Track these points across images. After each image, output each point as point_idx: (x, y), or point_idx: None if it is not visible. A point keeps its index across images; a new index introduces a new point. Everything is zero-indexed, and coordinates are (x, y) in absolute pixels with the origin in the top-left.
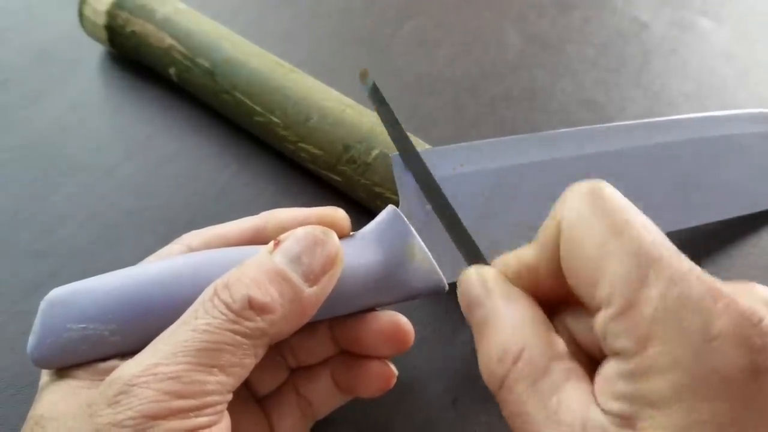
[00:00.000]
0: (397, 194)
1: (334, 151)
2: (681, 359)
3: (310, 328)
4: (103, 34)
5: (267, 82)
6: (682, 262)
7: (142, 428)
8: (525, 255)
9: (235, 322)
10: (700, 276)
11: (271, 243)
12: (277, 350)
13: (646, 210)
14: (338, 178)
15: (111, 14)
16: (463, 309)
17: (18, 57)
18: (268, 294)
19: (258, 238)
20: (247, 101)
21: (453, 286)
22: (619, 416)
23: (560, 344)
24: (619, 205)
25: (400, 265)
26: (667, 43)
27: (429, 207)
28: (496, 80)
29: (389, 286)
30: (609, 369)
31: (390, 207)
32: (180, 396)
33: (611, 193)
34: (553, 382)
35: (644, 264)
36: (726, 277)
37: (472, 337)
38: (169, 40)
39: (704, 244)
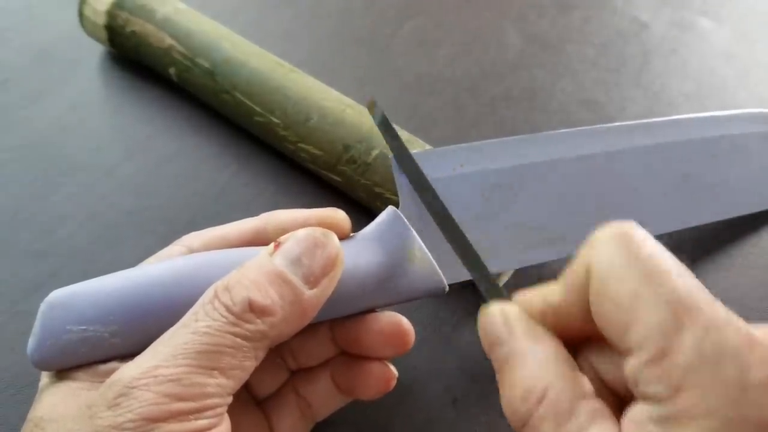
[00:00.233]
0: (397, 195)
1: (334, 151)
2: (715, 407)
3: (310, 329)
4: (103, 34)
5: (267, 82)
6: (718, 310)
7: (142, 431)
8: (550, 295)
9: (235, 325)
10: (735, 324)
11: (272, 245)
12: (277, 352)
13: (647, 210)
14: (338, 178)
15: (111, 14)
16: (484, 346)
17: (18, 57)
18: (268, 296)
19: (258, 240)
20: (247, 101)
21: (453, 287)
22: None
23: (586, 383)
24: (651, 250)
25: (401, 266)
26: (667, 43)
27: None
28: (496, 80)
29: (389, 287)
30: (639, 412)
31: (390, 208)
32: (180, 398)
33: (642, 237)
34: (579, 423)
35: (679, 311)
36: (726, 277)
37: (472, 337)
38: (169, 40)
39: (704, 244)
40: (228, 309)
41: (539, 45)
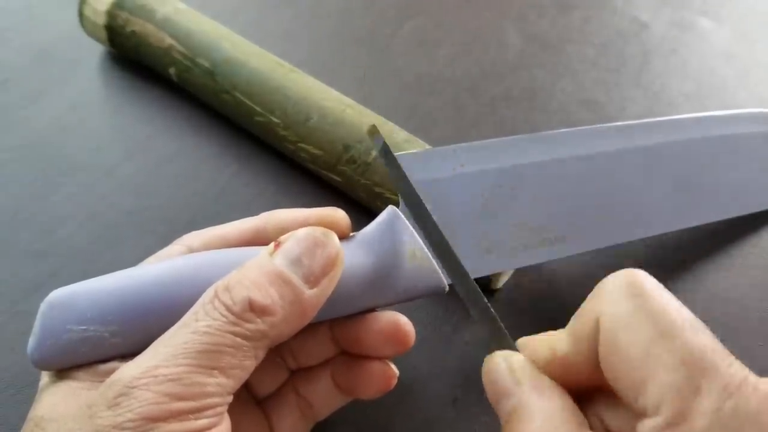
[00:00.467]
0: (397, 194)
1: (334, 151)
2: None
3: (310, 329)
4: (103, 34)
5: (267, 82)
6: (736, 371)
7: (142, 430)
8: (557, 344)
9: (235, 324)
10: (755, 386)
11: (272, 244)
12: (277, 352)
13: (647, 210)
14: (338, 178)
15: (111, 14)
16: (489, 396)
17: (18, 57)
18: (268, 296)
19: (258, 239)
20: (247, 101)
21: (453, 286)
22: None
23: None
24: (663, 303)
25: (401, 265)
26: (667, 43)
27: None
28: (496, 80)
29: (389, 287)
30: None
31: (390, 207)
32: (180, 398)
33: (653, 287)
34: None
35: (696, 373)
36: (726, 277)
37: (472, 337)
38: (169, 40)
39: (704, 244)
40: (228, 309)
41: (539, 45)
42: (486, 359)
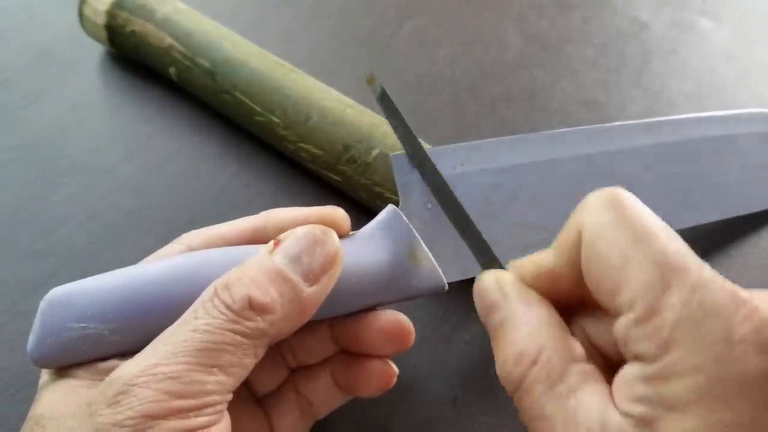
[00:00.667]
0: (397, 194)
1: (334, 151)
2: (702, 363)
3: (310, 327)
4: (103, 34)
5: (267, 82)
6: (705, 270)
7: (142, 428)
8: (543, 260)
9: (235, 322)
10: (722, 283)
11: (271, 243)
12: (276, 350)
13: None
14: (338, 178)
15: (111, 14)
16: (479, 313)
17: (18, 57)
18: (268, 294)
19: (257, 238)
20: (247, 101)
21: (453, 285)
22: (638, 418)
23: (577, 347)
24: (640, 213)
25: (400, 264)
26: (667, 43)
27: (430, 206)
28: (496, 80)
29: (389, 286)
30: (629, 372)
31: (390, 206)
32: (180, 396)
33: (632, 201)
34: (570, 384)
35: (667, 271)
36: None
37: (472, 337)
38: (169, 40)
39: (704, 244)
40: (228, 307)
41: (539, 45)
42: (477, 278)
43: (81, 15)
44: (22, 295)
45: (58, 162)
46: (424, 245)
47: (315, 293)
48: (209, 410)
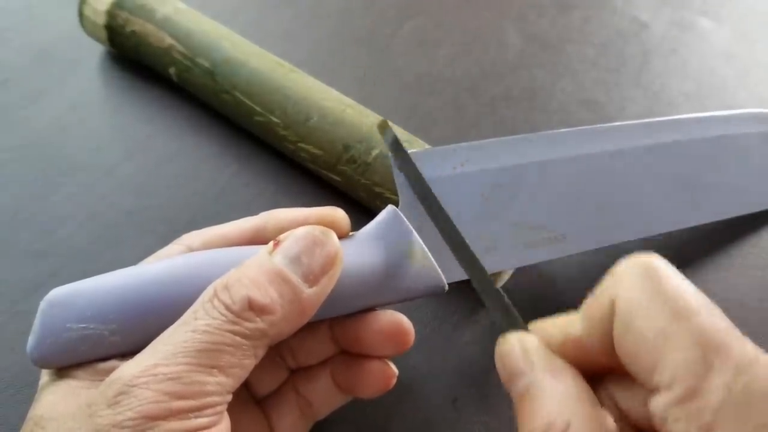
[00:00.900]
0: (397, 194)
1: (334, 151)
2: None
3: (309, 328)
4: (103, 34)
5: (267, 82)
6: (748, 350)
7: (142, 429)
8: (570, 326)
9: (234, 323)
10: (765, 363)
11: (271, 243)
12: (276, 351)
13: (647, 210)
14: (338, 178)
15: (111, 14)
16: (502, 376)
17: (18, 57)
18: (267, 295)
19: (258, 238)
20: (247, 101)
21: (453, 286)
22: None
23: (608, 419)
24: (677, 286)
25: (400, 265)
26: (667, 43)
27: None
28: (496, 80)
29: (389, 286)
30: None
31: (390, 207)
32: (180, 397)
33: (668, 271)
34: None
35: (709, 350)
36: (726, 277)
37: (472, 337)
38: (169, 40)
39: (704, 244)
40: (227, 307)
41: (539, 45)
42: (499, 340)
43: (81, 15)
44: (22, 295)
45: (58, 162)
46: (423, 246)
47: (315, 294)
48: (209, 411)
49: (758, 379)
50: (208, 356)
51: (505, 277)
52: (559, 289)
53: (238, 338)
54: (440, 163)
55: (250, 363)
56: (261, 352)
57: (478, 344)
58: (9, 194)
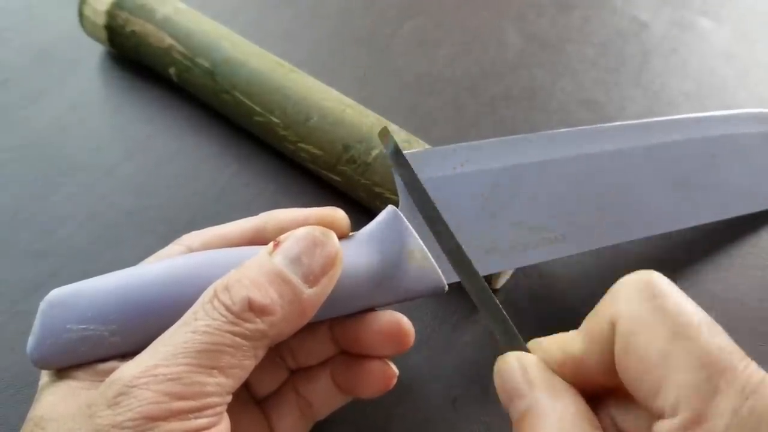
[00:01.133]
0: (396, 194)
1: (334, 151)
2: None
3: (309, 328)
4: (103, 34)
5: (267, 82)
6: (753, 372)
7: (142, 429)
8: (571, 346)
9: (234, 324)
10: None
11: (271, 244)
12: (276, 351)
13: (647, 210)
14: (338, 178)
15: (111, 14)
16: (500, 396)
17: (18, 57)
18: (267, 296)
19: (258, 239)
20: (247, 101)
21: (453, 286)
22: None
23: None
24: (678, 304)
25: (400, 265)
26: (667, 42)
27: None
28: (495, 80)
29: (389, 287)
30: None
31: (390, 207)
32: (180, 397)
33: (669, 289)
34: None
35: (714, 374)
36: (726, 277)
37: (472, 337)
38: (169, 40)
39: (704, 244)
40: (227, 308)
41: (539, 44)
42: (498, 359)
43: (81, 15)
44: (22, 295)
45: (58, 162)
46: (423, 246)
47: (315, 294)
48: (209, 412)
49: (765, 401)
50: (208, 357)
51: (505, 277)
52: (559, 289)
53: (238, 339)
54: (440, 164)
55: (250, 364)
56: (261, 353)
57: (478, 344)
58: (9, 194)
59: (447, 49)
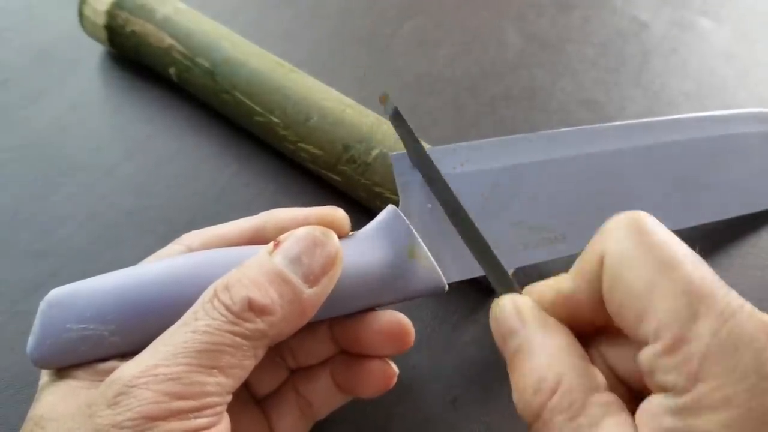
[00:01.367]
0: (397, 194)
1: (334, 151)
2: (734, 396)
3: (309, 328)
4: (103, 34)
5: (267, 82)
6: (733, 299)
7: (142, 429)
8: (561, 285)
9: (234, 324)
10: (751, 312)
11: (271, 244)
12: (276, 351)
13: (646, 210)
14: (338, 178)
15: (111, 14)
16: (496, 338)
17: (18, 57)
18: (267, 295)
19: (258, 239)
20: (247, 101)
21: (453, 286)
22: None
23: (599, 376)
24: (664, 239)
25: (400, 265)
26: (667, 42)
27: (430, 206)
28: (495, 80)
29: (389, 286)
30: (655, 404)
31: (390, 207)
32: (180, 397)
33: (654, 226)
34: (592, 416)
35: (695, 300)
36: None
37: (472, 337)
38: (169, 40)
39: (704, 244)
40: (227, 308)
41: (539, 44)
42: (494, 302)
43: (81, 15)
44: (22, 295)
45: (58, 162)
46: (424, 245)
47: (315, 294)
48: (209, 411)
49: (743, 325)
50: (208, 357)
51: None
52: None
53: (238, 339)
54: (440, 163)
55: (250, 363)
56: (261, 353)
57: (478, 344)
58: (9, 194)
59: (447, 49)
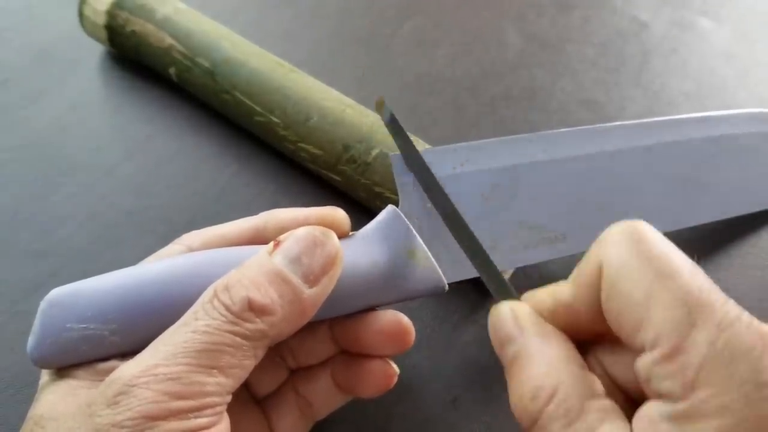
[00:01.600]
0: (397, 194)
1: (334, 151)
2: (730, 405)
3: (309, 328)
4: (103, 34)
5: (267, 82)
6: (731, 309)
7: (142, 429)
8: (560, 293)
9: (234, 324)
10: (748, 322)
11: (271, 244)
12: (276, 351)
13: (647, 210)
14: (338, 178)
15: (111, 14)
16: (494, 344)
17: (18, 57)
18: (267, 295)
19: (258, 238)
20: (247, 101)
21: (453, 286)
22: None
23: (596, 383)
24: (662, 248)
25: (400, 265)
26: (667, 42)
27: (430, 206)
28: (495, 80)
29: (389, 286)
30: (652, 410)
31: (390, 207)
32: (179, 397)
33: (653, 234)
34: (589, 422)
35: (692, 309)
36: (726, 277)
37: (472, 337)
38: (169, 40)
39: (704, 244)
40: (227, 308)
41: (539, 44)
42: (492, 308)
43: (81, 15)
44: (22, 295)
45: (58, 162)
46: (423, 245)
47: (315, 294)
48: (209, 411)
49: (740, 335)
50: (208, 357)
51: (506, 277)
52: None
53: (238, 339)
54: (440, 163)
55: (250, 363)
56: (261, 353)
57: (478, 344)
58: (9, 194)
59: (447, 49)
